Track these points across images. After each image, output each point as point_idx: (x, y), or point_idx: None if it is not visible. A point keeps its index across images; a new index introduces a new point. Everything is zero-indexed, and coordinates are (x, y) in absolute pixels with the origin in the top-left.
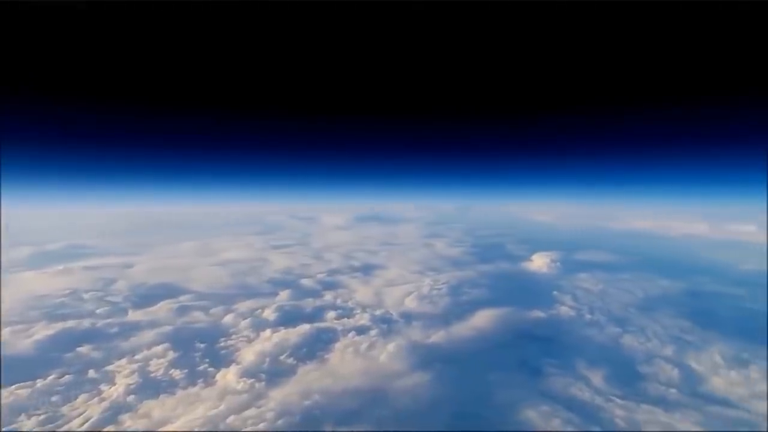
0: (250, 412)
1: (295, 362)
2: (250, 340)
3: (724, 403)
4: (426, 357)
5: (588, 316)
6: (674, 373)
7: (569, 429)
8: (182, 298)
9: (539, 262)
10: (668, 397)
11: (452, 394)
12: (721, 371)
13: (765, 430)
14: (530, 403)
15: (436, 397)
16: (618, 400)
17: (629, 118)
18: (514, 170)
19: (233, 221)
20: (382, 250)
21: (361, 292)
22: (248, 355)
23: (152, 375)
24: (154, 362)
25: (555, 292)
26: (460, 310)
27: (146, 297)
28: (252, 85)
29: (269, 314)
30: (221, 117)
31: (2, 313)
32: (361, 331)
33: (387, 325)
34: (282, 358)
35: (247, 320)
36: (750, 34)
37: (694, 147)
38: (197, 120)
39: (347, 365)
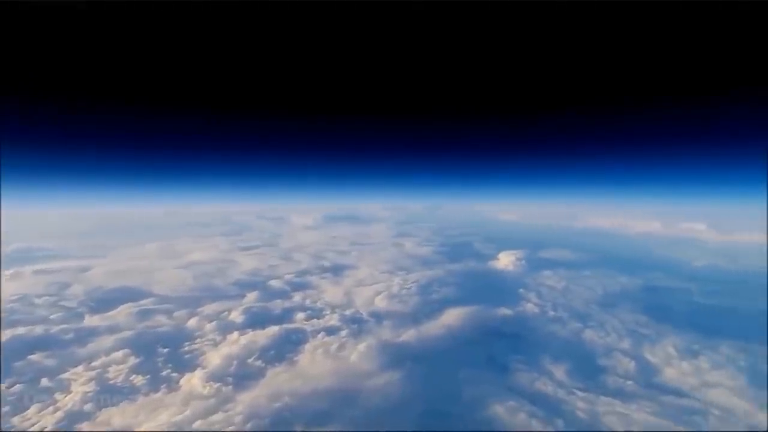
0: (217, 416)
1: (263, 365)
2: (216, 344)
3: (677, 392)
4: (396, 356)
5: (552, 313)
6: (631, 365)
7: (534, 422)
8: (144, 301)
9: (505, 261)
10: (626, 389)
11: (422, 392)
12: (673, 362)
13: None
14: (498, 398)
15: (406, 396)
16: (579, 393)
17: (591, 120)
18: (482, 171)
19: (198, 222)
20: (352, 250)
21: (331, 292)
22: (214, 358)
23: (111, 382)
24: (113, 369)
25: (521, 290)
26: (429, 308)
27: (104, 301)
28: (217, 82)
29: (236, 317)
30: (188, 115)
31: None
32: (331, 331)
33: (357, 325)
34: (250, 360)
35: (213, 323)
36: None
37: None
38: (161, 119)
39: (317, 366)
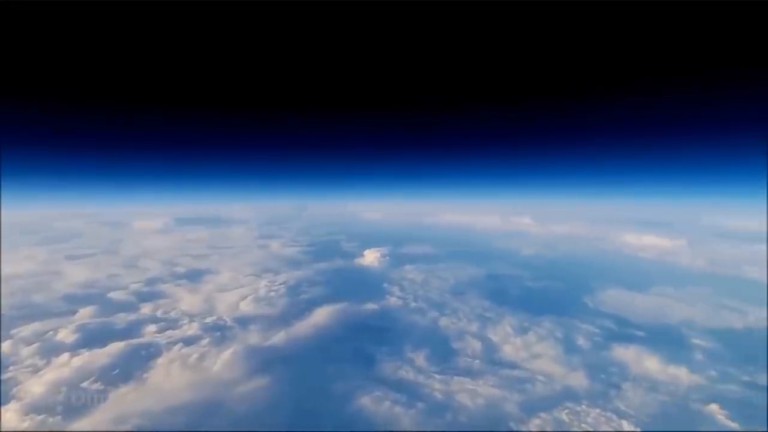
0: None
1: (104, 387)
2: (37, 370)
3: (513, 365)
4: (265, 360)
5: (413, 304)
6: (478, 345)
7: (397, 408)
8: None
9: (371, 257)
10: (474, 367)
11: (291, 393)
12: (510, 339)
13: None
14: (365, 390)
15: (275, 399)
16: (437, 376)
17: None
18: (346, 170)
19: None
20: (211, 254)
21: (188, 300)
22: (35, 386)
23: None
24: None
25: (385, 284)
26: (299, 309)
27: None
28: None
29: (66, 336)
30: None
31: None
32: (190, 341)
33: (220, 332)
34: (86, 384)
35: (33, 346)
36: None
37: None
38: None
39: (174, 381)
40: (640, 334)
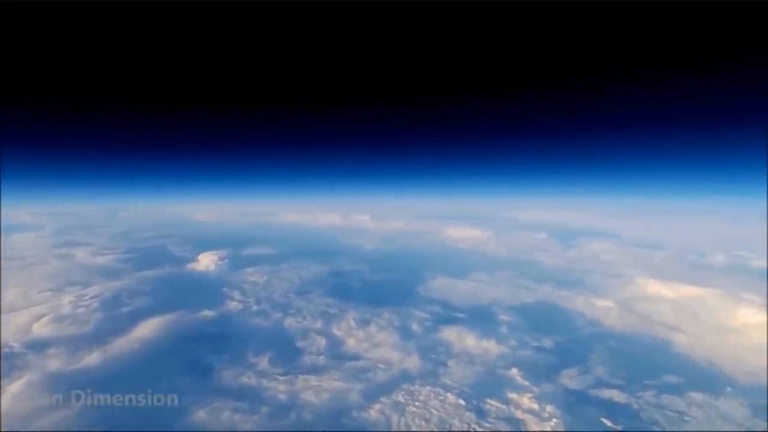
0: None
1: None
2: None
3: (356, 357)
4: (73, 386)
5: (255, 307)
6: (323, 342)
7: (237, 416)
8: None
9: (206, 262)
10: (319, 364)
11: (107, 420)
12: (353, 332)
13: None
14: (200, 403)
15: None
16: (281, 378)
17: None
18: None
19: None
20: None
21: None
22: None
23: None
24: None
25: (224, 289)
26: (118, 324)
27: None
28: None
29: None
30: None
31: None
32: None
33: (6, 362)
34: None
35: None
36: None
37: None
38: None
39: None
40: (461, 315)
